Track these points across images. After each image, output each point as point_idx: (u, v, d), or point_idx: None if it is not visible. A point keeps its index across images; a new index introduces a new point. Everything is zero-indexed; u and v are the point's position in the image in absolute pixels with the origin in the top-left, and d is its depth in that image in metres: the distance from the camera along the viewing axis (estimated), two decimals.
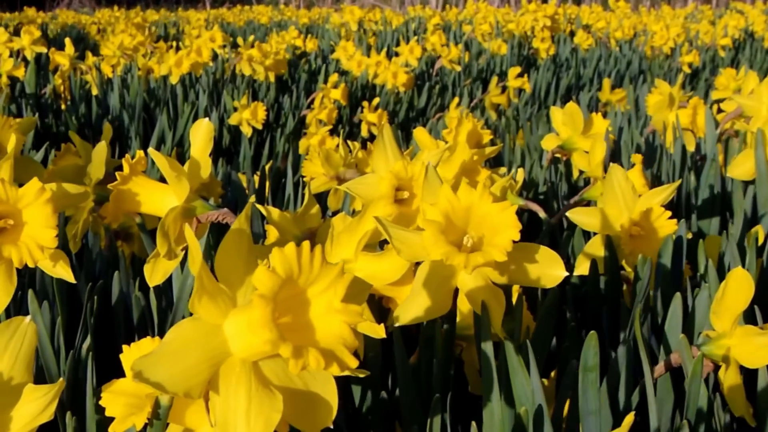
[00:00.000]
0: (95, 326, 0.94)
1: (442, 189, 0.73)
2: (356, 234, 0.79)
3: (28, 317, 0.51)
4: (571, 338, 0.89)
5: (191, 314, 0.48)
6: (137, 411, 0.62)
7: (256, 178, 1.60)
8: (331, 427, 0.49)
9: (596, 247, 1.02)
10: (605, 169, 1.05)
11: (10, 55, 3.22)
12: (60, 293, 0.96)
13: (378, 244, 0.85)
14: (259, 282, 0.44)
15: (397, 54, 4.01)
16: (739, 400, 0.76)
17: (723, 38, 5.07)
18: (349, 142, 1.38)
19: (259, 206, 0.92)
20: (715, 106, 2.20)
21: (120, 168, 0.83)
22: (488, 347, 0.73)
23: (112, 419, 0.65)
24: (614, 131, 2.11)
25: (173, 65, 3.06)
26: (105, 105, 3.00)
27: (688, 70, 4.43)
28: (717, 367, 0.79)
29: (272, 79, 3.40)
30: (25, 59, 3.26)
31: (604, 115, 2.58)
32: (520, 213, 1.38)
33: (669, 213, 0.98)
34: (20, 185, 0.72)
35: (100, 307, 0.99)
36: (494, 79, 3.24)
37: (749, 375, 0.82)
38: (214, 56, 3.49)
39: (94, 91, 3.06)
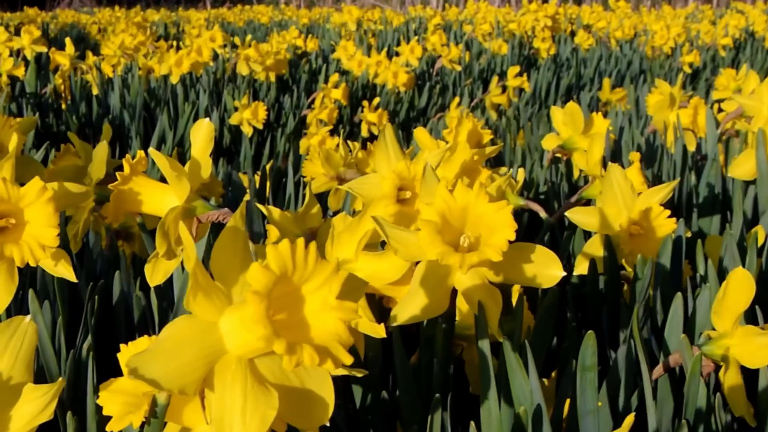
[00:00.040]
0: (96, 326, 0.94)
1: (438, 189, 0.73)
2: (357, 234, 0.79)
3: (29, 317, 0.51)
4: (571, 338, 0.88)
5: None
6: (134, 410, 0.62)
7: (257, 178, 1.60)
8: (328, 425, 0.49)
9: (595, 247, 1.02)
10: (605, 168, 1.05)
11: (10, 55, 3.22)
12: (61, 293, 0.96)
13: (379, 244, 0.85)
14: (253, 279, 0.44)
15: (397, 54, 4.01)
16: (739, 400, 0.76)
17: (724, 38, 5.07)
18: (349, 142, 1.38)
19: (260, 206, 0.93)
20: (715, 106, 2.20)
21: (120, 168, 0.83)
22: (485, 347, 0.73)
23: (111, 418, 0.65)
24: (615, 131, 2.11)
25: (173, 65, 3.06)
26: (105, 105, 3.00)
27: (688, 70, 4.43)
28: (718, 367, 0.79)
29: (273, 78, 3.40)
30: (25, 59, 3.26)
31: (605, 115, 2.58)
32: (521, 213, 1.38)
33: (668, 212, 0.98)
34: (21, 185, 0.72)
35: (101, 306, 0.99)
36: (494, 79, 3.24)
37: (750, 375, 0.82)
38: (215, 56, 3.49)
39: (95, 91, 3.06)
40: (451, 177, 1.11)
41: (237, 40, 3.87)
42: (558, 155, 1.64)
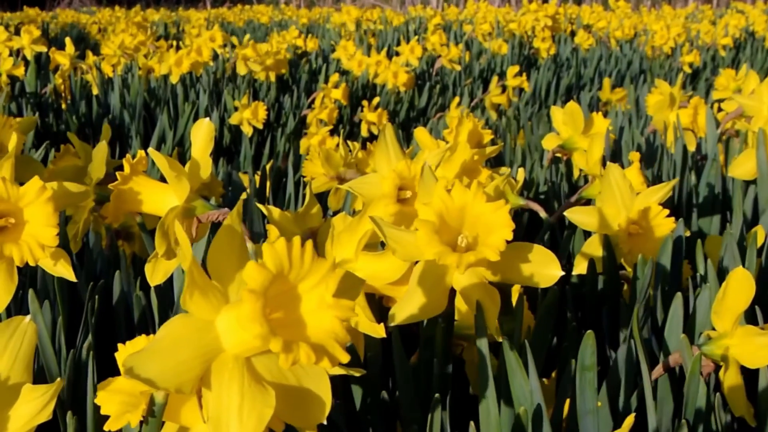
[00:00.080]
0: (96, 326, 0.94)
1: (435, 189, 0.73)
2: (357, 233, 0.79)
3: (28, 317, 0.51)
4: (571, 338, 0.88)
5: None
6: (132, 409, 0.62)
7: (257, 178, 1.60)
8: (326, 423, 0.49)
9: (594, 247, 1.02)
10: (605, 168, 1.05)
11: (10, 54, 3.22)
12: (61, 293, 0.96)
13: (379, 244, 0.85)
14: (249, 277, 0.44)
15: (397, 54, 4.01)
16: (739, 400, 0.76)
17: (724, 38, 5.07)
18: (349, 142, 1.38)
19: (260, 206, 0.93)
20: (715, 106, 2.20)
21: (121, 168, 0.83)
22: (483, 346, 0.73)
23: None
24: (615, 131, 2.11)
25: (173, 65, 3.06)
26: (105, 104, 3.00)
27: (688, 70, 4.43)
28: (718, 367, 0.79)
29: (273, 78, 3.40)
30: (25, 59, 3.26)
31: (605, 115, 2.58)
32: (521, 213, 1.38)
33: (667, 211, 0.98)
34: (21, 184, 0.72)
35: (101, 306, 0.99)
36: (494, 79, 3.24)
37: (750, 375, 0.82)
38: (215, 56, 3.49)
39: (95, 91, 3.06)
40: (452, 177, 1.11)
41: (235, 40, 3.87)
42: (558, 155, 1.64)
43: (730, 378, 0.76)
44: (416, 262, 0.74)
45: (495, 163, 1.91)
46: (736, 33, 5.81)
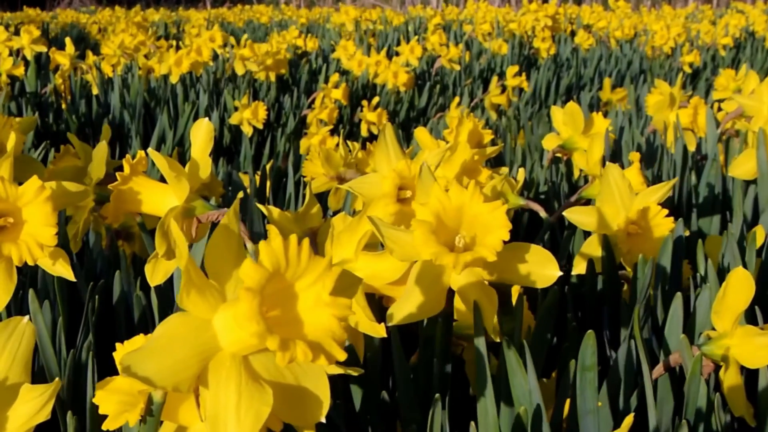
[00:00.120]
0: (96, 326, 0.94)
1: (432, 189, 0.73)
2: (356, 233, 0.79)
3: (27, 317, 0.51)
4: (571, 338, 0.88)
5: None
6: (130, 408, 0.62)
7: (257, 178, 1.60)
8: (324, 421, 0.49)
9: (593, 247, 1.02)
10: (604, 168, 1.05)
11: (10, 54, 3.22)
12: (61, 292, 0.96)
13: (379, 244, 0.85)
14: (246, 275, 0.44)
15: (397, 54, 4.01)
16: (739, 400, 0.76)
17: (724, 38, 5.07)
18: (349, 142, 1.38)
19: (260, 206, 0.93)
20: (715, 106, 2.20)
21: (120, 168, 0.83)
22: (481, 346, 0.73)
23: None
24: (615, 131, 2.11)
25: (173, 64, 3.06)
26: (105, 104, 3.00)
27: (688, 70, 4.43)
28: (717, 367, 0.79)
29: (273, 78, 3.40)
30: (25, 59, 3.26)
31: (605, 115, 2.58)
32: (521, 213, 1.38)
33: (666, 211, 0.98)
34: (20, 184, 0.72)
35: (102, 306, 0.99)
36: (494, 79, 3.24)
37: (750, 375, 0.82)
38: (215, 56, 3.49)
39: (95, 91, 3.06)
40: (452, 177, 1.11)
41: (233, 40, 3.86)
42: (558, 155, 1.64)
43: (730, 378, 0.76)
44: (415, 262, 0.74)
45: (495, 163, 1.91)
46: (736, 33, 5.81)
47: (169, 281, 0.96)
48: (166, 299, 1.00)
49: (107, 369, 0.78)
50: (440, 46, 4.24)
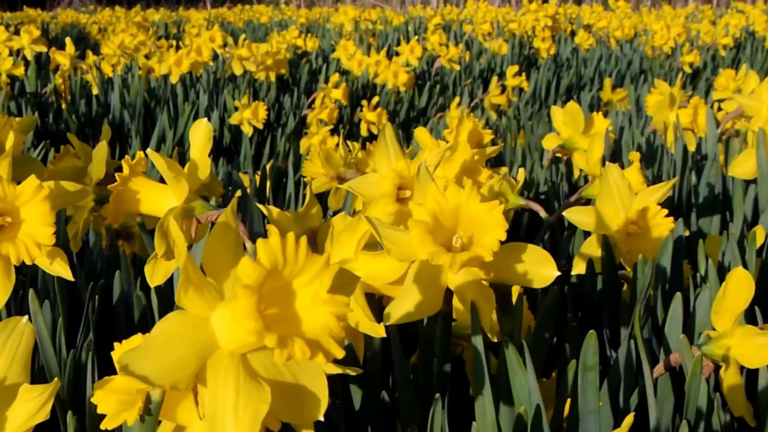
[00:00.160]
0: (96, 326, 0.94)
1: (429, 189, 0.73)
2: (356, 233, 0.79)
3: (26, 317, 0.51)
4: (572, 338, 0.88)
5: None
6: (129, 408, 0.62)
7: (257, 178, 1.60)
8: (322, 419, 0.49)
9: (593, 247, 1.02)
10: (604, 168, 1.05)
11: (10, 54, 3.23)
12: (61, 292, 0.96)
13: (379, 244, 0.85)
14: (244, 273, 0.44)
15: (397, 53, 4.01)
16: (739, 400, 0.76)
17: (724, 37, 5.07)
18: (349, 142, 1.38)
19: (260, 206, 0.93)
20: (715, 106, 2.20)
21: (121, 168, 0.83)
22: (479, 346, 0.73)
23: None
24: (615, 131, 2.11)
25: (173, 64, 3.06)
26: (105, 104, 3.00)
27: (689, 70, 4.43)
28: (717, 367, 0.79)
29: (273, 78, 3.40)
30: (25, 58, 3.26)
31: (605, 115, 2.58)
32: (521, 213, 1.38)
33: (665, 211, 0.98)
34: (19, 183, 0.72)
35: (102, 306, 0.99)
36: (494, 80, 3.23)
37: (750, 375, 0.82)
38: (215, 56, 3.49)
39: (95, 91, 3.06)
40: (452, 177, 1.11)
41: (230, 40, 3.86)
42: (558, 155, 1.64)
43: (730, 378, 0.76)
44: (413, 262, 0.74)
45: (495, 163, 1.91)
46: (737, 33, 5.81)
47: (169, 281, 0.96)
48: (166, 299, 1.00)
49: (107, 369, 0.78)
50: (440, 45, 4.24)
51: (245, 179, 1.72)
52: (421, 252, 0.69)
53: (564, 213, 1.02)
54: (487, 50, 4.52)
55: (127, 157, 0.85)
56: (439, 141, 1.25)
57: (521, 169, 1.18)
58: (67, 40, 3.35)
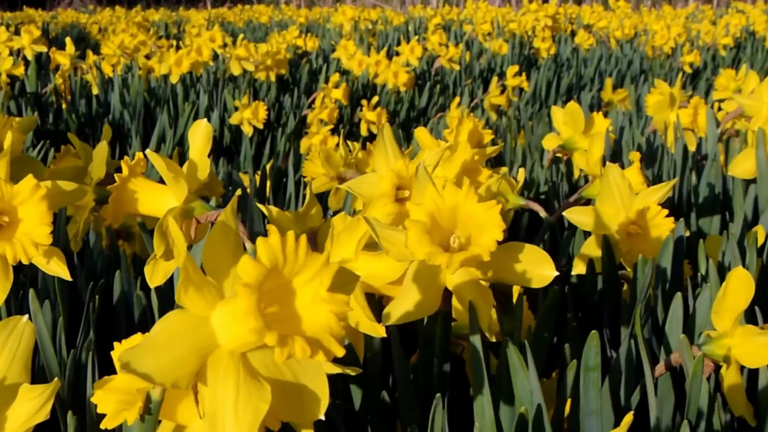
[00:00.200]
0: (96, 325, 0.94)
1: (426, 189, 0.73)
2: (356, 233, 0.79)
3: (26, 316, 0.51)
4: (572, 338, 0.88)
5: None
6: (129, 407, 0.62)
7: (257, 178, 1.60)
8: (323, 419, 0.49)
9: (593, 247, 1.02)
10: (604, 168, 1.05)
11: (10, 54, 3.23)
12: (61, 292, 0.96)
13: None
14: (244, 272, 0.44)
15: (397, 53, 4.01)
16: (739, 399, 0.76)
17: (724, 37, 5.07)
18: (349, 142, 1.38)
19: (260, 206, 0.93)
20: (716, 105, 2.20)
21: (121, 169, 0.83)
22: (477, 344, 0.73)
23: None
24: (615, 131, 2.11)
25: (173, 64, 3.06)
26: (105, 104, 3.00)
27: (689, 70, 4.43)
28: (718, 367, 0.79)
29: (273, 78, 3.40)
30: (25, 58, 3.26)
31: (605, 115, 2.58)
32: (521, 213, 1.38)
33: (666, 211, 0.98)
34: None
35: (102, 306, 0.99)
36: (494, 80, 3.23)
37: (750, 374, 0.82)
38: (215, 56, 3.49)
39: (95, 91, 3.06)
40: (452, 177, 1.11)
41: (228, 40, 3.86)
42: (558, 155, 1.64)
43: (730, 377, 0.76)
44: (412, 262, 0.74)
45: (495, 163, 1.91)
46: (737, 33, 5.81)
47: (170, 281, 0.96)
48: (167, 299, 1.00)
49: (107, 369, 0.78)
50: (439, 45, 4.24)
51: (245, 179, 1.72)
52: (418, 252, 0.69)
53: (564, 213, 1.02)
54: (488, 50, 4.52)
55: (126, 158, 0.85)
56: (439, 141, 1.25)
57: (521, 169, 1.18)
58: (68, 40, 3.35)
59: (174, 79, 3.05)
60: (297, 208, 1.47)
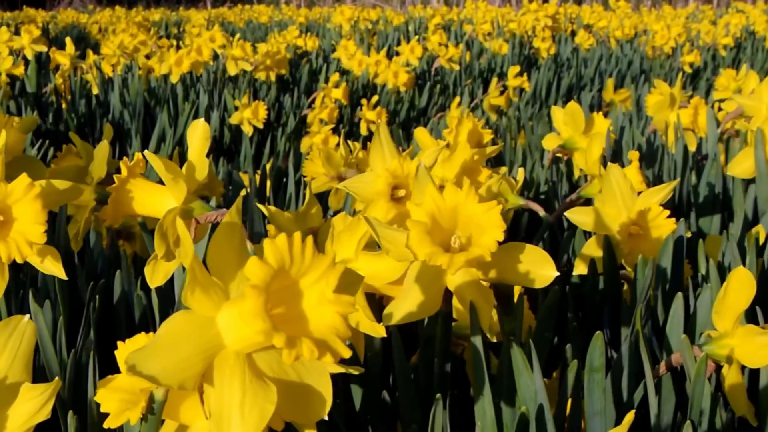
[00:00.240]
0: (97, 325, 0.94)
1: (427, 189, 0.73)
2: (356, 233, 0.79)
3: (27, 316, 0.51)
4: (572, 338, 0.88)
5: None
6: (132, 406, 0.62)
7: (258, 178, 1.60)
8: (326, 419, 0.49)
9: (594, 247, 1.02)
10: (604, 168, 1.05)
11: (10, 54, 3.23)
12: (62, 292, 0.96)
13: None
14: (251, 273, 0.44)
15: (397, 53, 4.00)
16: (740, 399, 0.76)
17: (725, 37, 5.07)
18: (349, 141, 1.38)
19: (260, 206, 0.93)
20: (716, 106, 2.20)
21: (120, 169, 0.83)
22: (478, 344, 0.73)
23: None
24: (615, 131, 2.11)
25: (173, 64, 3.06)
26: (105, 104, 3.00)
27: (689, 70, 4.43)
28: (719, 367, 0.79)
29: (273, 78, 3.40)
30: (25, 58, 3.26)
31: (606, 115, 2.58)
32: (521, 212, 1.38)
33: (667, 212, 0.98)
34: None
35: (102, 306, 0.99)
36: (494, 81, 3.23)
37: (751, 374, 0.82)
38: (215, 56, 3.49)
39: (95, 90, 3.06)
40: (452, 177, 1.11)
41: (228, 40, 3.86)
42: (559, 155, 1.64)
43: (731, 377, 0.76)
44: (413, 262, 0.74)
45: (495, 162, 1.91)
46: (737, 33, 5.81)
47: (170, 281, 0.96)
48: (167, 299, 1.00)
49: (108, 368, 0.78)
50: (439, 45, 4.24)
51: (245, 179, 1.72)
52: (419, 253, 0.69)
53: (566, 213, 1.02)
54: (488, 50, 4.51)
55: (125, 158, 0.84)
56: (439, 141, 1.25)
57: (521, 169, 1.18)
58: (67, 39, 3.35)
59: (174, 78, 3.05)
60: (297, 208, 1.47)
